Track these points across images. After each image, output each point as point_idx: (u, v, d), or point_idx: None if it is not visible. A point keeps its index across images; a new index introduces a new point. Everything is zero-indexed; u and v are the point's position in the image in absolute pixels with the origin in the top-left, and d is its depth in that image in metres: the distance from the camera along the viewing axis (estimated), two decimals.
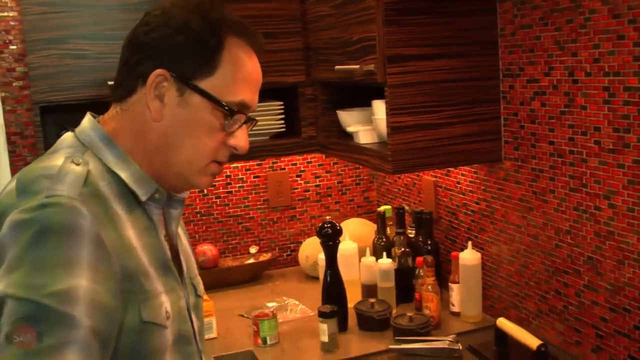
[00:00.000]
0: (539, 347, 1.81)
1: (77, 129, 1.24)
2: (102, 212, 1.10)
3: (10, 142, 2.67)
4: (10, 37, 2.64)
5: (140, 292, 1.14)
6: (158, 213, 1.27)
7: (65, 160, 1.14)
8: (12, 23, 2.63)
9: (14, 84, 2.66)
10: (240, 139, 1.26)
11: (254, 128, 1.30)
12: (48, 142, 2.36)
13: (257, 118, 1.31)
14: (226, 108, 1.21)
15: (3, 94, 2.65)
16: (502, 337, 1.96)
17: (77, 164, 1.14)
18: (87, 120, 1.25)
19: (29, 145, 2.70)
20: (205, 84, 1.20)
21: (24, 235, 1.02)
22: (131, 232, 1.16)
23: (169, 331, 1.20)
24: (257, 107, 2.57)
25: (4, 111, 2.66)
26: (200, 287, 1.44)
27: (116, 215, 1.14)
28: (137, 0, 2.35)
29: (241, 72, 1.23)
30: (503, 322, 1.96)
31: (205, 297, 2.36)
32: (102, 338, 1.04)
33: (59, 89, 2.36)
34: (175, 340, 1.23)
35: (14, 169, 2.61)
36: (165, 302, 1.20)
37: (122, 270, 1.10)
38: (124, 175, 1.20)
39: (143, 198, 1.21)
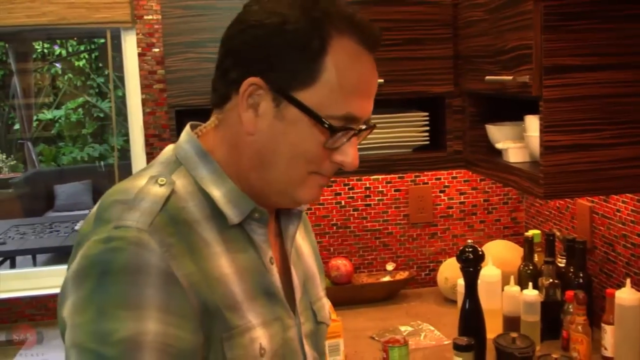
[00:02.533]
0: None
1: (177, 142, 1.14)
2: (179, 242, 0.99)
3: (148, 143, 2.68)
4: (154, 40, 2.64)
5: (224, 329, 1.02)
6: (262, 233, 1.12)
7: (149, 180, 1.04)
8: (155, 26, 2.63)
9: (154, 87, 2.66)
10: (347, 154, 1.08)
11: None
12: None
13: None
14: (326, 125, 1.03)
15: (144, 96, 2.66)
16: None
17: (161, 185, 1.04)
18: (185, 132, 1.14)
19: None
20: (304, 96, 1.03)
21: (88, 277, 0.94)
22: (222, 259, 1.05)
23: None
24: (399, 117, 2.43)
25: (144, 113, 2.66)
26: (323, 312, 1.29)
27: (201, 241, 1.03)
28: None
29: (348, 80, 1.04)
30: None
31: (333, 317, 2.26)
32: None
33: (195, 93, 2.31)
34: None
35: None
36: (261, 337, 1.07)
37: (202, 306, 0.99)
38: (216, 194, 1.08)
39: (235, 220, 1.08)
